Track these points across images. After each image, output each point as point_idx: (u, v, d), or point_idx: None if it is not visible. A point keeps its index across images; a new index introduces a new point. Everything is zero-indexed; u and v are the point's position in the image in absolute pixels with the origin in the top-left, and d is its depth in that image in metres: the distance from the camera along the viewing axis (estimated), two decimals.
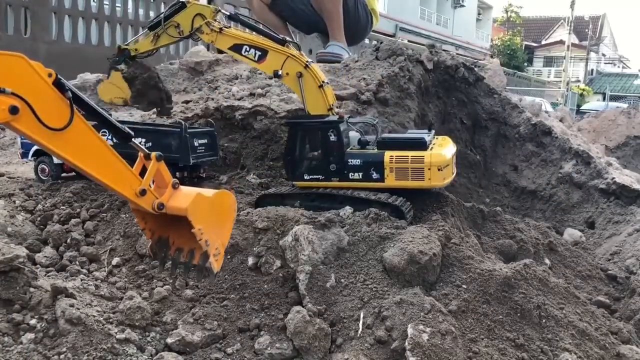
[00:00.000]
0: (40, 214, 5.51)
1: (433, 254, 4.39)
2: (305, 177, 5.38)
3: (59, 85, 2.74)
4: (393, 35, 32.69)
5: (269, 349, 4.04)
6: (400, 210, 5.09)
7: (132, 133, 3.29)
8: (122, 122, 6.33)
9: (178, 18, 5.61)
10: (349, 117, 5.69)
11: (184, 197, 3.20)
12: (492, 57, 39.62)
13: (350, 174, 5.26)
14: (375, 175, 5.20)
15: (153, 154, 3.19)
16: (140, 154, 3.17)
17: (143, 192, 3.11)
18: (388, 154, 5.16)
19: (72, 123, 2.76)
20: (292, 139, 5.47)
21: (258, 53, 5.44)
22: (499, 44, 59.22)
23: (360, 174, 5.23)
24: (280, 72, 5.37)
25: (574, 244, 6.59)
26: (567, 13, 51.99)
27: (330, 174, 5.30)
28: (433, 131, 5.72)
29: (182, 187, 3.30)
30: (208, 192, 3.32)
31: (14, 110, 2.54)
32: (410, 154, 5.12)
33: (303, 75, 5.37)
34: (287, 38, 5.57)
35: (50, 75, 2.73)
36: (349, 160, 5.25)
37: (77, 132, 2.81)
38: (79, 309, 3.98)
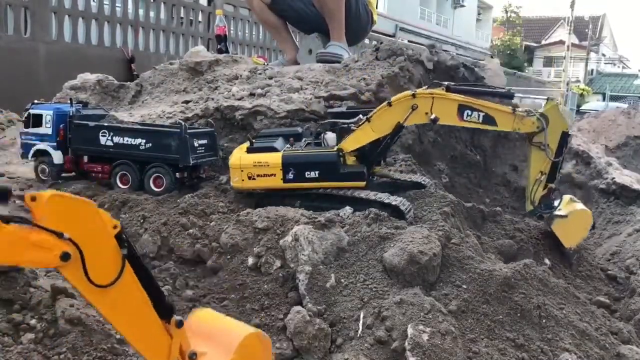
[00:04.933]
0: None
1: (433, 254, 4.39)
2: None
3: (119, 239, 2.63)
4: (393, 36, 32.67)
5: None
6: (400, 210, 5.10)
7: (174, 308, 3.04)
8: (122, 122, 6.42)
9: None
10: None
11: None
12: (492, 57, 39.63)
13: None
14: None
15: (173, 319, 2.90)
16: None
17: None
18: None
19: (119, 281, 2.62)
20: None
21: None
22: (499, 44, 59.22)
23: None
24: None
25: None
26: (567, 13, 51.93)
27: None
28: None
29: None
30: None
31: (65, 257, 2.42)
32: None
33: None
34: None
35: (115, 227, 2.61)
36: None
37: (121, 291, 2.65)
38: (78, 309, 3.98)
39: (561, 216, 5.55)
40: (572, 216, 5.56)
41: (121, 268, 2.62)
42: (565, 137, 5.37)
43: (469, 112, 5.16)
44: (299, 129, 6.12)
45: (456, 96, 5.17)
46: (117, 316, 2.68)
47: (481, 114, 5.18)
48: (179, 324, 2.89)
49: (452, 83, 5.37)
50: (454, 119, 5.20)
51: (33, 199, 2.37)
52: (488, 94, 5.57)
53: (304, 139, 5.81)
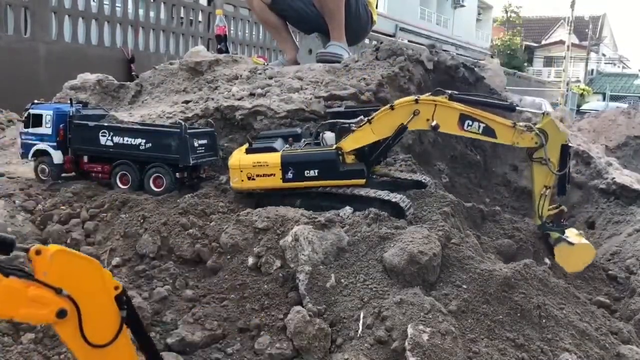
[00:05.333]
0: (40, 214, 5.51)
1: (433, 254, 4.39)
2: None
3: (119, 300, 2.62)
4: (393, 35, 32.72)
5: (269, 349, 4.04)
6: (400, 207, 5.10)
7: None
8: (122, 122, 6.42)
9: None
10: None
11: None
12: (492, 57, 39.63)
13: None
14: None
15: None
16: None
17: None
18: None
19: (115, 342, 2.60)
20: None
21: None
22: (499, 44, 59.28)
23: None
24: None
25: None
26: (567, 13, 52.02)
27: None
28: None
29: None
30: None
31: (61, 314, 2.40)
32: None
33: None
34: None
35: (116, 288, 2.61)
36: None
37: (114, 353, 2.61)
38: None
39: (568, 242, 5.55)
40: (578, 247, 5.56)
41: (118, 330, 2.60)
42: (565, 149, 5.35)
43: (470, 122, 5.17)
44: (298, 130, 6.13)
45: (458, 105, 5.17)
46: None
47: (482, 125, 5.19)
48: None
49: (456, 92, 5.36)
50: (454, 127, 5.20)
51: (38, 252, 2.36)
52: (490, 105, 5.56)
53: (303, 140, 5.82)
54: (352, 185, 5.31)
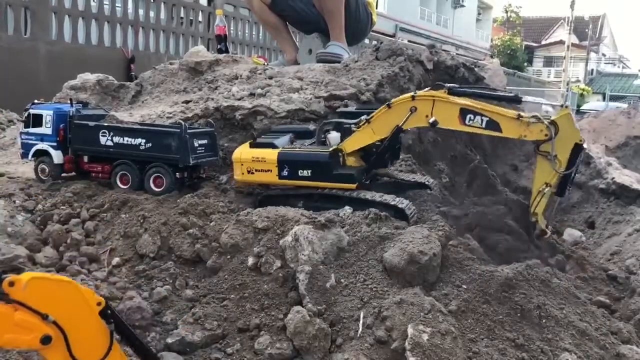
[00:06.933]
0: (40, 214, 5.51)
1: (433, 254, 4.38)
2: None
3: (104, 315, 2.57)
4: (393, 35, 32.74)
5: (269, 349, 4.04)
6: (405, 214, 5.09)
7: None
8: (122, 122, 6.42)
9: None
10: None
11: None
12: (492, 57, 39.64)
13: None
14: None
15: None
16: None
17: None
18: None
19: (107, 358, 2.57)
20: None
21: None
22: (499, 44, 59.24)
23: None
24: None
25: (573, 244, 6.58)
26: (567, 13, 52.08)
27: None
28: None
29: None
30: None
31: (45, 340, 2.34)
32: None
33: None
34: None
35: (99, 304, 2.56)
36: None
37: None
38: None
39: None
40: None
41: (109, 345, 2.57)
42: (578, 149, 4.92)
43: (472, 117, 4.91)
44: (310, 127, 6.10)
45: (458, 99, 4.96)
46: None
47: (485, 119, 4.90)
48: None
49: (456, 85, 5.22)
50: (455, 123, 4.98)
51: (11, 284, 2.28)
52: (493, 97, 5.33)
53: (314, 138, 5.83)
54: (345, 189, 5.30)
